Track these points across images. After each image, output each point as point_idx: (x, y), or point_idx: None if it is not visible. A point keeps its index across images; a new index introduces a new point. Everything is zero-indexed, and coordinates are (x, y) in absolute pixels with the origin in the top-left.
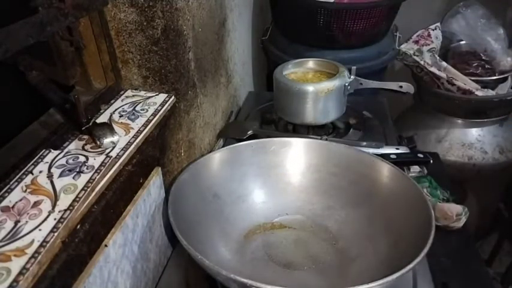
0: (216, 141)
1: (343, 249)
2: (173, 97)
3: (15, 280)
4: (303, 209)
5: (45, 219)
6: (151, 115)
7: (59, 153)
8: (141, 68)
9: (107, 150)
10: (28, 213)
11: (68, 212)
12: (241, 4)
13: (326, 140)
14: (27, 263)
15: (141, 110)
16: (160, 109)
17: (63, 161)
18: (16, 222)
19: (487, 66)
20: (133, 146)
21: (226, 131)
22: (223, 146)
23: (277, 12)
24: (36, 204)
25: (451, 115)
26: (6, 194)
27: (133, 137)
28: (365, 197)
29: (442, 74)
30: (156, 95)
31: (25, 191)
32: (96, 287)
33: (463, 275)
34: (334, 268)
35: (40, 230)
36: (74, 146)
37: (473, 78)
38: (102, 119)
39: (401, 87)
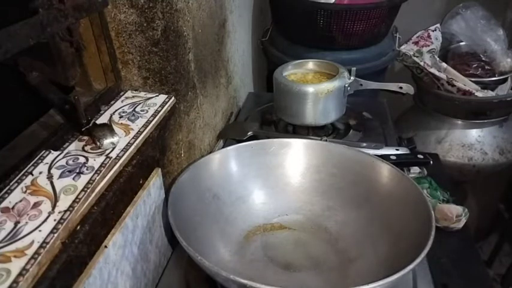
0: (216, 142)
1: (343, 250)
2: (173, 98)
3: (15, 281)
4: (303, 210)
5: (45, 220)
6: (151, 116)
7: (59, 154)
8: (141, 69)
9: (107, 151)
10: (28, 214)
11: (68, 213)
12: (241, 5)
13: (326, 140)
14: (27, 263)
15: (141, 111)
16: (160, 110)
17: (63, 162)
18: (16, 223)
19: (486, 67)
20: (133, 147)
21: (226, 131)
22: (223, 147)
23: (277, 14)
24: (36, 205)
25: (451, 116)
26: (6, 195)
27: (133, 138)
28: (365, 197)
29: (442, 75)
30: (156, 96)
31: (25, 192)
32: None
33: (463, 276)
34: (334, 269)
35: (40, 231)
36: (73, 146)
37: (473, 79)
38: (102, 119)
39: (401, 88)
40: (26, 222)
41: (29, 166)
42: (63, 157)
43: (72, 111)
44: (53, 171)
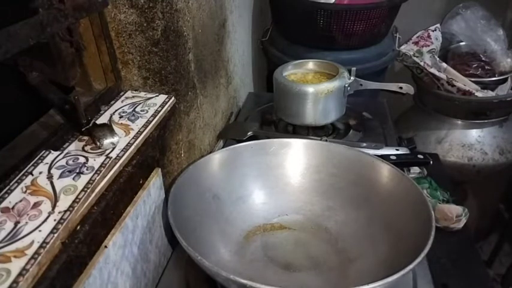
0: (216, 142)
1: (343, 250)
2: (173, 98)
3: (15, 281)
4: (303, 210)
5: (45, 220)
6: (151, 116)
7: (59, 154)
8: (141, 69)
9: (107, 151)
10: (28, 214)
11: (68, 213)
12: (241, 5)
13: (326, 140)
14: (27, 264)
15: (141, 111)
16: (160, 110)
17: (63, 162)
18: (16, 223)
19: (486, 67)
20: (133, 147)
21: (226, 132)
22: (223, 147)
23: (277, 14)
24: (36, 205)
25: (451, 116)
26: (6, 195)
27: (133, 138)
28: (365, 197)
29: (442, 75)
30: (156, 96)
31: (25, 192)
32: None
33: (463, 276)
34: (334, 269)
35: (40, 231)
36: (73, 147)
37: (473, 79)
38: (102, 120)
39: (401, 88)
40: (26, 222)
41: (29, 166)
42: (63, 157)
43: (72, 111)
44: (53, 171)
